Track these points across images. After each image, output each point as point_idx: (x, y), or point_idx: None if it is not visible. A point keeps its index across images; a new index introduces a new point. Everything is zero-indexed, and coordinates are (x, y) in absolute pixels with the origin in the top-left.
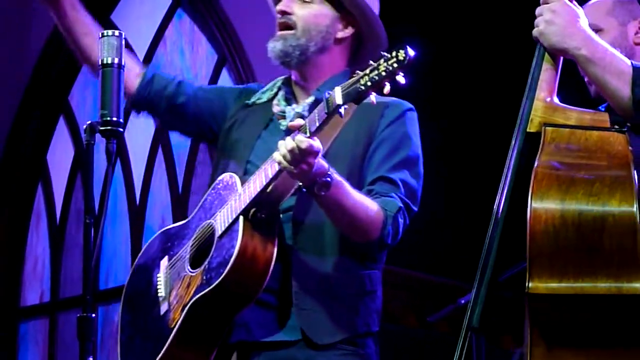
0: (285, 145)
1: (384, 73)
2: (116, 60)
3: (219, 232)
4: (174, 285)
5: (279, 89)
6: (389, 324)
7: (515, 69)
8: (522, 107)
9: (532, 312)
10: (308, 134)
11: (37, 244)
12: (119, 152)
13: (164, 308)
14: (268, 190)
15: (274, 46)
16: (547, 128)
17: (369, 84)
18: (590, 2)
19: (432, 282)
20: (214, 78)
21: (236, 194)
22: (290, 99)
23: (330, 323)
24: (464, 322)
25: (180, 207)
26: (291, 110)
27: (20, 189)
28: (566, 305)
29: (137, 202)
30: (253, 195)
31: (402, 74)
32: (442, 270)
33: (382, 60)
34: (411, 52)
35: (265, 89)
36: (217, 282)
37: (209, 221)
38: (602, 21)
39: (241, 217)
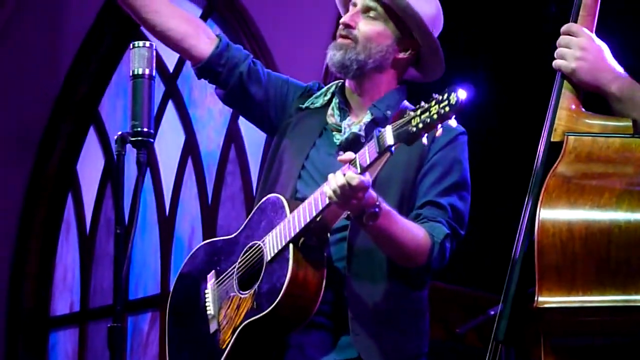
0: (336, 180)
1: (435, 116)
2: (147, 71)
3: (268, 256)
4: (223, 305)
5: (333, 94)
6: None
7: (540, 81)
8: (547, 116)
9: (542, 326)
10: (359, 170)
11: (67, 253)
12: (148, 162)
13: (213, 327)
14: (317, 219)
15: (334, 54)
16: (569, 137)
17: (420, 126)
18: None
19: (461, 293)
20: None
21: (285, 219)
22: (345, 109)
23: (384, 347)
24: (492, 335)
25: (209, 218)
26: (347, 126)
27: (51, 198)
28: (575, 318)
29: (167, 212)
30: (303, 225)
31: (454, 117)
32: (470, 281)
33: (433, 103)
34: (463, 95)
35: (319, 93)
36: (268, 310)
37: (257, 242)
38: None
39: (291, 245)
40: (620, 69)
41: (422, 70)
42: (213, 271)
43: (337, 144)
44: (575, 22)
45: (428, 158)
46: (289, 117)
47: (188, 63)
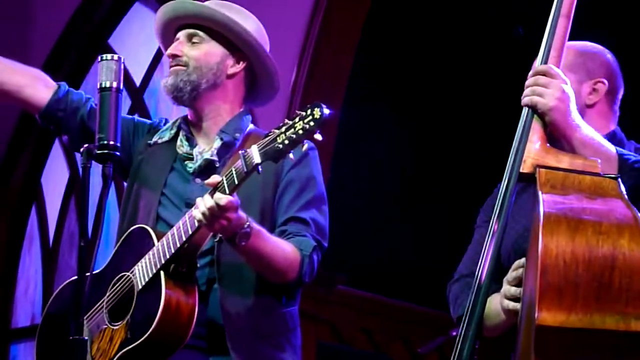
0: (205, 203)
1: (301, 132)
2: (114, 84)
3: (139, 285)
4: (94, 339)
5: (179, 128)
6: (377, 353)
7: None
8: (514, 148)
9: (538, 344)
10: (228, 192)
11: (30, 266)
12: (114, 176)
13: None
14: (186, 245)
15: (166, 81)
16: (541, 170)
17: (286, 142)
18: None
19: (422, 313)
20: None
21: (153, 248)
22: (192, 138)
23: None
24: (454, 356)
25: None
26: (198, 154)
27: (14, 211)
28: (573, 339)
29: None
30: (173, 251)
31: (319, 132)
32: (432, 301)
33: (297, 119)
34: (326, 111)
35: (165, 127)
36: (144, 337)
37: (125, 274)
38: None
39: (162, 273)
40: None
41: (259, 89)
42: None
43: (191, 172)
44: (545, 62)
45: (283, 176)
46: (139, 155)
47: (155, 77)
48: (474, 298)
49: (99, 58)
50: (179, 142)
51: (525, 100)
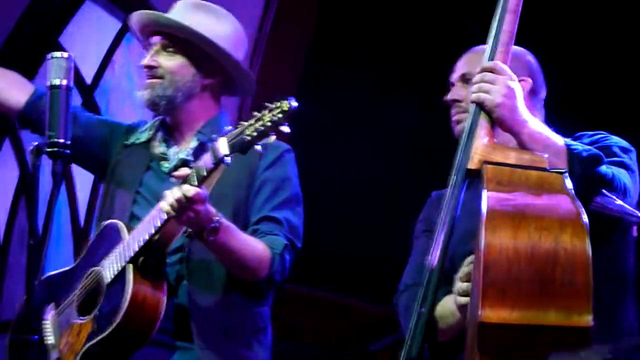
0: (173, 194)
1: (269, 123)
2: (64, 82)
3: (107, 279)
4: (63, 333)
5: (157, 129)
6: (328, 350)
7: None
8: (462, 144)
9: (481, 341)
10: (196, 183)
11: None
12: (63, 174)
13: (53, 356)
14: (155, 238)
15: (142, 94)
16: (487, 166)
17: (255, 134)
18: (475, 49)
19: (373, 311)
20: None
21: (123, 242)
22: (169, 139)
23: None
24: (403, 353)
25: None
26: (174, 154)
27: None
28: (518, 335)
29: (82, 224)
30: (141, 244)
31: (286, 124)
32: (383, 299)
33: (266, 111)
34: (294, 103)
35: (143, 128)
36: (109, 330)
37: (95, 268)
38: None
39: (130, 266)
40: (529, 113)
41: (236, 89)
42: (52, 303)
43: (166, 172)
44: (492, 58)
45: (257, 175)
46: (116, 156)
47: (107, 74)
48: (425, 292)
49: (49, 56)
50: (155, 143)
51: (472, 97)
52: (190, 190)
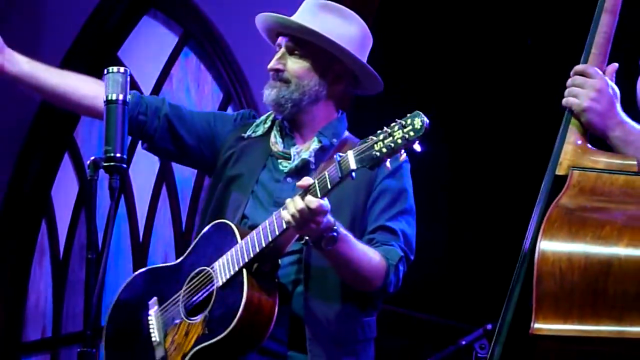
0: (295, 205)
1: (400, 141)
2: (121, 97)
3: (219, 282)
4: (169, 332)
5: (273, 122)
6: None
7: (549, 112)
8: (554, 150)
9: (536, 353)
10: (319, 195)
11: (40, 279)
12: (122, 188)
13: (159, 354)
14: (271, 245)
15: (268, 93)
16: (574, 171)
17: (384, 150)
18: None
19: (431, 323)
20: None
21: (236, 245)
22: (290, 135)
23: None
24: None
25: (183, 244)
26: (296, 153)
27: (24, 224)
28: (571, 347)
29: (141, 238)
30: (257, 250)
31: (419, 142)
32: (440, 311)
33: (396, 127)
34: (426, 120)
35: (259, 121)
36: (223, 335)
37: (205, 269)
38: None
39: (245, 271)
40: (627, 118)
41: (362, 88)
42: (155, 298)
43: (285, 170)
44: (586, 60)
45: (376, 184)
46: (230, 148)
47: (164, 89)
48: (507, 302)
49: (105, 71)
50: (272, 139)
51: (563, 101)
52: (313, 202)
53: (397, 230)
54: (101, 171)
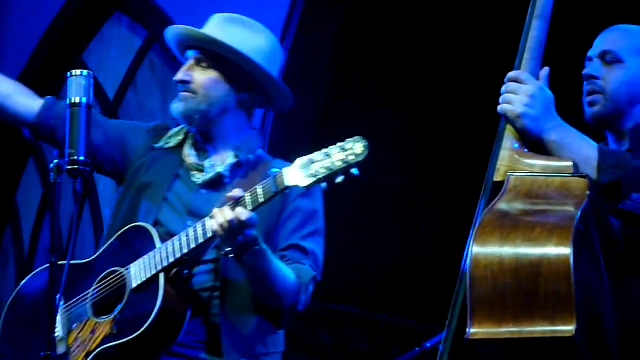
0: (225, 215)
1: (339, 164)
2: (84, 100)
3: (133, 284)
4: (74, 328)
5: (186, 135)
6: None
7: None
8: (492, 156)
9: (476, 357)
10: (251, 208)
11: (4, 281)
12: (87, 192)
13: (60, 349)
14: (193, 252)
15: (177, 107)
16: (511, 176)
17: (322, 171)
18: (618, 27)
19: (397, 325)
20: None
21: (155, 249)
22: (203, 149)
23: None
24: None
25: None
26: (211, 166)
27: None
28: (507, 347)
29: None
30: (178, 256)
31: (356, 168)
32: (406, 313)
33: (336, 150)
34: (367, 146)
35: (172, 133)
36: (132, 336)
37: (118, 270)
38: (626, 56)
39: (162, 275)
40: (560, 119)
41: (271, 104)
42: (60, 294)
43: (198, 182)
44: (519, 66)
45: (289, 201)
46: (140, 157)
47: (128, 92)
48: (452, 310)
49: (69, 74)
50: (186, 151)
51: (498, 108)
52: (245, 214)
53: (309, 250)
54: (65, 175)
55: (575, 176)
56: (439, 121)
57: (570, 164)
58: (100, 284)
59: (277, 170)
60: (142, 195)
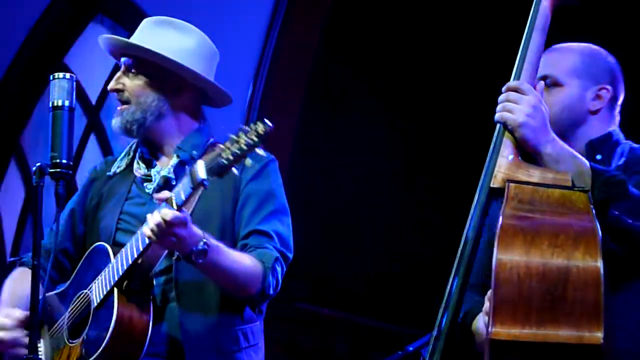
0: (153, 219)
1: (244, 147)
2: (67, 103)
3: (95, 303)
4: (54, 356)
5: (135, 151)
6: None
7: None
8: (487, 163)
9: (492, 358)
10: (175, 207)
11: None
12: (69, 194)
13: None
14: (139, 261)
15: (114, 123)
16: (510, 184)
17: (230, 157)
18: (556, 48)
19: (380, 329)
20: None
21: (109, 265)
22: (150, 159)
23: None
24: None
25: None
26: (156, 173)
27: None
28: (529, 352)
29: None
30: (125, 267)
31: (262, 147)
32: (388, 318)
33: (241, 134)
34: (269, 124)
35: (121, 155)
36: (95, 355)
37: (84, 291)
38: (565, 78)
39: (115, 290)
40: (553, 133)
41: (212, 100)
42: (46, 325)
43: (150, 192)
44: (518, 76)
45: (242, 188)
46: (95, 196)
47: (110, 95)
48: (443, 310)
49: (51, 77)
50: (135, 166)
51: (496, 116)
52: (168, 214)
53: (270, 232)
54: (48, 177)
55: (575, 189)
56: (426, 126)
57: (568, 176)
58: (72, 308)
59: (193, 165)
60: (100, 223)
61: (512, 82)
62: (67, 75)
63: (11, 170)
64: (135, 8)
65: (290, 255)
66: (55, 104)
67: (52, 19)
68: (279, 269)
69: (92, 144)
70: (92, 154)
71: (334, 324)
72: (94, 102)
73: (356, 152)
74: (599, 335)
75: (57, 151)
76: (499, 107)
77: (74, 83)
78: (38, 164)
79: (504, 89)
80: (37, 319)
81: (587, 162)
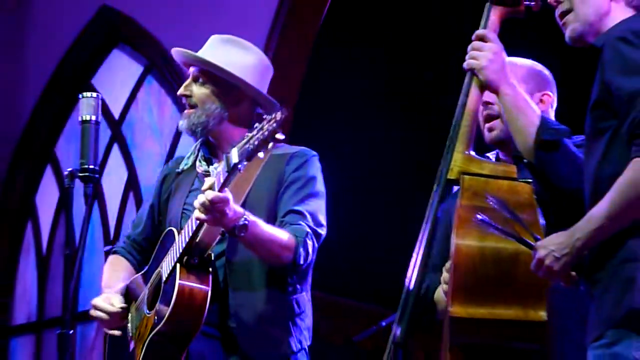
0: (199, 200)
1: (266, 133)
2: (93, 118)
3: (164, 278)
4: (138, 325)
5: (199, 150)
6: (319, 343)
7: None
8: (444, 157)
9: (452, 334)
10: (217, 188)
11: (26, 272)
12: (96, 195)
13: (132, 345)
14: (197, 239)
15: (182, 124)
16: (464, 176)
17: (256, 143)
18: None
19: (357, 307)
20: (177, 134)
21: (174, 244)
22: (210, 158)
23: (268, 344)
24: (391, 338)
25: None
26: (214, 169)
27: (13, 225)
28: (483, 327)
29: (112, 237)
30: (184, 245)
31: (280, 132)
32: (366, 297)
33: (264, 122)
34: (284, 112)
35: (188, 154)
36: (163, 321)
37: (158, 269)
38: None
39: (177, 265)
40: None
41: (263, 107)
42: (134, 301)
43: None
44: (485, 27)
45: (285, 179)
46: (165, 192)
47: (131, 111)
48: (404, 303)
49: (80, 96)
50: (197, 163)
51: (464, 64)
52: (210, 194)
53: (304, 211)
54: (78, 180)
55: (520, 180)
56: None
57: (514, 168)
58: (150, 284)
59: (228, 153)
60: (169, 215)
61: (478, 31)
62: (94, 94)
63: (47, 175)
64: (151, 38)
65: (323, 233)
66: (84, 119)
67: (82, 47)
68: (309, 242)
69: (115, 152)
70: (115, 161)
71: (321, 304)
72: (116, 117)
73: (348, 151)
74: (543, 313)
75: (85, 158)
76: (466, 56)
77: (100, 101)
78: (70, 169)
79: (472, 37)
80: (71, 298)
81: (538, 110)
